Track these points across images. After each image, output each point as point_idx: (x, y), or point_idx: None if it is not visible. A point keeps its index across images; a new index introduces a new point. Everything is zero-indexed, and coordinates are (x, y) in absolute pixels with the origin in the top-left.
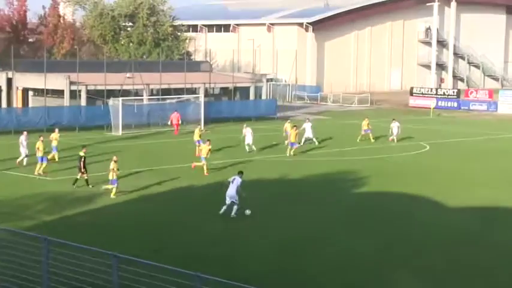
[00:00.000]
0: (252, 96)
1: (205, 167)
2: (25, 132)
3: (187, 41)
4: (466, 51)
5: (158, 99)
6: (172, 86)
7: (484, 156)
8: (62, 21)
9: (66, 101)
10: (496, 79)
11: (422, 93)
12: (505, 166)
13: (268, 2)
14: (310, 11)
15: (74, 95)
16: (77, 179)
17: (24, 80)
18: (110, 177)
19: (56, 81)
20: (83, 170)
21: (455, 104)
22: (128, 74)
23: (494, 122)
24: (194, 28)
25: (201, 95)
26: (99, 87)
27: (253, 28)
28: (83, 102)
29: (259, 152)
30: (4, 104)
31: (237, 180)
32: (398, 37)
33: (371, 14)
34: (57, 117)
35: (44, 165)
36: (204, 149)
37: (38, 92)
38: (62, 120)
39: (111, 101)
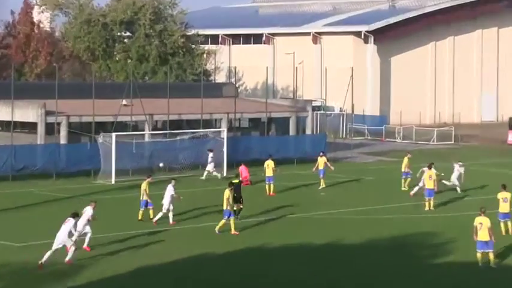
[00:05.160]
0: (292, 131)
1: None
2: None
3: (204, 56)
4: None
5: (165, 134)
6: (185, 117)
7: None
8: (36, 30)
9: (40, 137)
10: None
11: None
12: None
13: (314, 4)
14: (371, 15)
15: (51, 129)
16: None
17: None
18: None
19: (27, 111)
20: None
21: None
22: (125, 101)
23: None
24: (214, 39)
25: (224, 129)
26: (84, 119)
27: (294, 39)
28: (63, 139)
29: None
30: None
31: None
32: (492, 50)
33: (454, 19)
34: (27, 159)
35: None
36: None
37: (3, 125)
38: (34, 164)
39: (101, 138)
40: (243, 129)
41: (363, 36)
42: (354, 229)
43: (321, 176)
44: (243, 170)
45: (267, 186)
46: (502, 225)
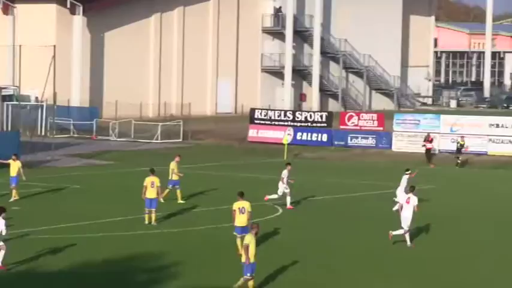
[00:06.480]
0: None
1: None
2: None
3: None
4: (341, 48)
5: None
6: None
7: (368, 225)
8: None
9: None
10: (390, 95)
11: (269, 119)
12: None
13: None
14: None
15: None
16: None
17: None
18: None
19: None
20: None
21: (325, 137)
22: None
23: (386, 166)
24: None
25: None
26: None
27: None
28: None
29: None
30: None
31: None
32: (229, 24)
33: None
34: None
35: None
36: None
37: None
38: None
39: None
40: None
41: (69, 5)
42: (56, 252)
43: (14, 184)
44: None
45: None
46: (238, 241)
